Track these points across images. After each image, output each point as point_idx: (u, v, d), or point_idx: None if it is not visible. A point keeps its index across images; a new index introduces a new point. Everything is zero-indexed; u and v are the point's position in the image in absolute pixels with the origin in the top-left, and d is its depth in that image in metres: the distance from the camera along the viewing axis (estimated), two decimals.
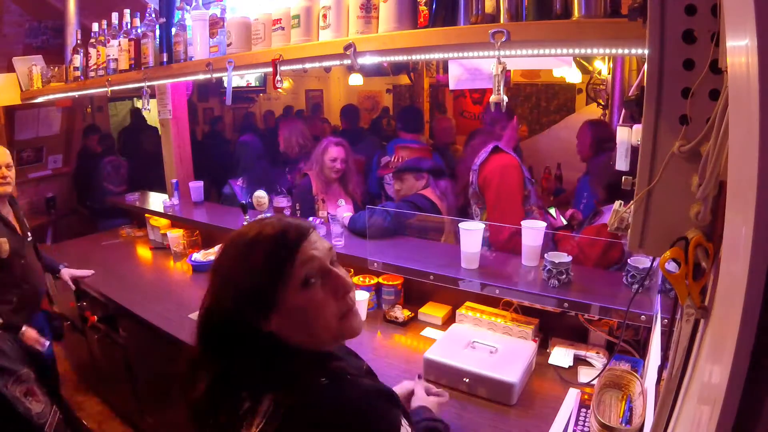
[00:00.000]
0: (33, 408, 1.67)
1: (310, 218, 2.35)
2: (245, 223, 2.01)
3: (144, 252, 2.89)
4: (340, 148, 2.70)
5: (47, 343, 1.94)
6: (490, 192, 2.26)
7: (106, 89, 2.51)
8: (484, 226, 1.80)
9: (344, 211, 2.40)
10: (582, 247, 1.95)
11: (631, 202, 0.77)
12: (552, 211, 2.62)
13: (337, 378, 0.80)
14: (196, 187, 3.12)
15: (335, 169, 2.69)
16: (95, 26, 2.63)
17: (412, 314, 1.89)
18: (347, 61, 1.49)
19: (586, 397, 1.38)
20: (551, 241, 2.07)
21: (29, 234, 2.10)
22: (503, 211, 2.18)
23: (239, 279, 0.82)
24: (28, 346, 1.83)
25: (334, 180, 2.74)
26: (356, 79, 5.62)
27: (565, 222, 2.58)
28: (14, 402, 1.62)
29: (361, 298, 1.89)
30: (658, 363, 1.00)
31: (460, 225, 1.78)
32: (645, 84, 0.71)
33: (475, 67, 2.70)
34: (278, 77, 1.66)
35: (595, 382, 1.37)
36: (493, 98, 1.20)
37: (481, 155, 2.32)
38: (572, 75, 3.51)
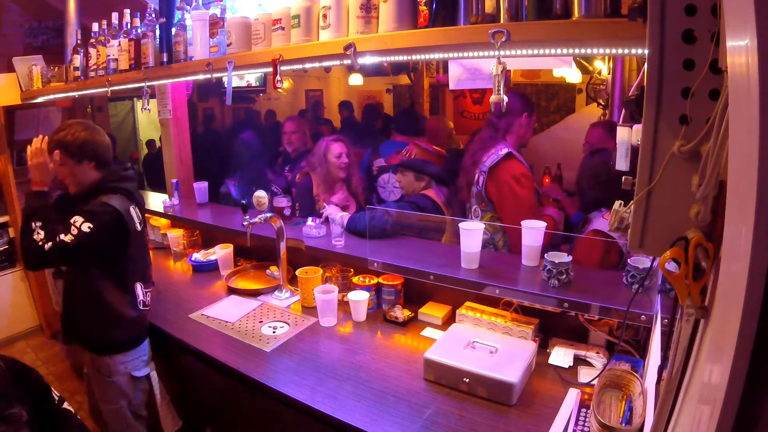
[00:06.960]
0: None
1: (310, 218, 2.35)
2: (245, 223, 2.01)
3: None
4: (340, 143, 2.72)
5: None
6: (507, 204, 2.25)
7: (106, 89, 2.51)
8: (484, 226, 1.80)
9: (338, 211, 2.40)
10: (579, 260, 1.92)
11: (631, 202, 0.77)
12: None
13: None
14: (201, 188, 3.11)
15: (343, 165, 2.70)
16: (95, 26, 2.63)
17: (412, 314, 1.89)
18: (347, 61, 1.49)
19: (586, 397, 1.38)
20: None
21: None
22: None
23: None
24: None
25: (341, 178, 2.74)
26: (356, 79, 5.63)
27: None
28: None
29: (361, 298, 1.89)
30: (658, 363, 1.00)
31: (460, 225, 1.78)
32: (645, 84, 0.71)
33: (475, 67, 2.70)
34: (278, 77, 1.66)
35: (595, 382, 1.37)
36: (493, 98, 1.20)
37: (491, 156, 2.30)
38: (572, 75, 3.51)
